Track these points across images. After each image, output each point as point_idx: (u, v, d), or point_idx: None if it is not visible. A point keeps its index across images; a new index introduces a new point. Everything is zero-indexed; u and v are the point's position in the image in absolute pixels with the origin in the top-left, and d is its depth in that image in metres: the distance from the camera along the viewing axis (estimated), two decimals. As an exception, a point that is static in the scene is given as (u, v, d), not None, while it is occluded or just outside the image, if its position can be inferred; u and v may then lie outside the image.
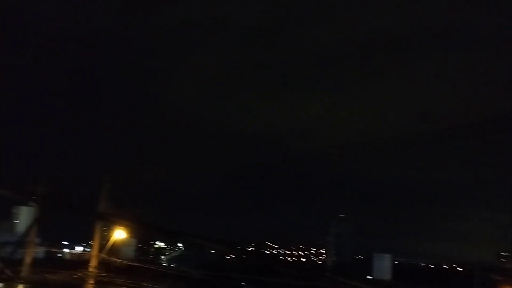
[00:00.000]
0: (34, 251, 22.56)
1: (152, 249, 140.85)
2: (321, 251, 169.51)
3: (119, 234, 20.90)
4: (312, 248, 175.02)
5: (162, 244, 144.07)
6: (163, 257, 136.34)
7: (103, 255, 21.25)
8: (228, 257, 79.06)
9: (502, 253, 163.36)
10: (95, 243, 21.10)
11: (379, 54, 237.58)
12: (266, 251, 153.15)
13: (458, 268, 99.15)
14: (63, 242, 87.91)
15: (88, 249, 33.75)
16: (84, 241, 64.41)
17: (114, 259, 23.74)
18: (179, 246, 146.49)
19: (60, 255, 75.52)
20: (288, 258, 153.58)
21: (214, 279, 34.18)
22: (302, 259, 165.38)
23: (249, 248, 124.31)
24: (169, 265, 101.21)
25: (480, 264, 39.91)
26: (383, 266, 49.78)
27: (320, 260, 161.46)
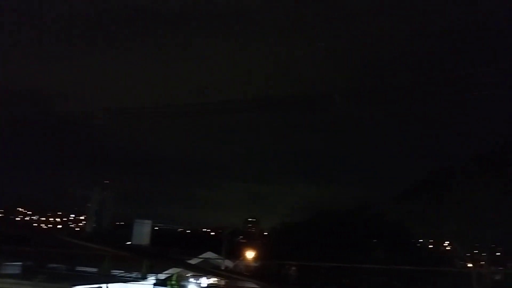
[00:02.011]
0: None
1: None
2: (80, 217, 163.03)
3: None
4: (71, 215, 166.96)
5: None
6: None
7: None
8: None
9: (249, 219, 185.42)
10: None
11: (160, 24, 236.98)
12: (16, 218, 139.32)
13: (211, 233, 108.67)
14: None
15: None
16: None
17: None
18: None
19: None
20: (43, 225, 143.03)
21: None
22: (58, 226, 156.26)
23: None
24: None
25: (229, 228, 44.43)
26: (143, 231, 50.77)
27: (78, 227, 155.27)
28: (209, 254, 41.39)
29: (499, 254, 51.59)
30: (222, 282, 31.39)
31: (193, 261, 35.34)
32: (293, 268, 35.83)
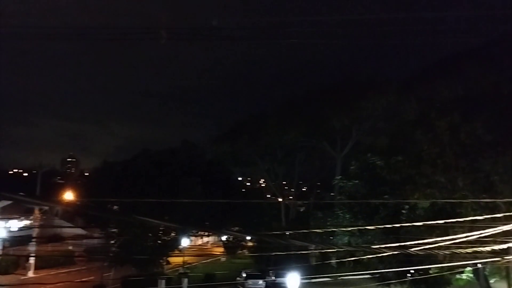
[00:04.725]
0: None
1: None
2: None
3: None
4: None
5: None
6: None
7: None
8: None
9: (68, 159, 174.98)
10: None
11: None
12: None
13: (24, 174, 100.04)
14: None
15: None
16: None
17: None
18: None
19: None
20: None
21: None
22: None
23: None
24: None
25: (44, 168, 41.51)
26: None
27: None
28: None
29: (304, 189, 59.11)
30: (36, 224, 29.81)
31: (0, 204, 32.55)
32: (115, 207, 35.65)
